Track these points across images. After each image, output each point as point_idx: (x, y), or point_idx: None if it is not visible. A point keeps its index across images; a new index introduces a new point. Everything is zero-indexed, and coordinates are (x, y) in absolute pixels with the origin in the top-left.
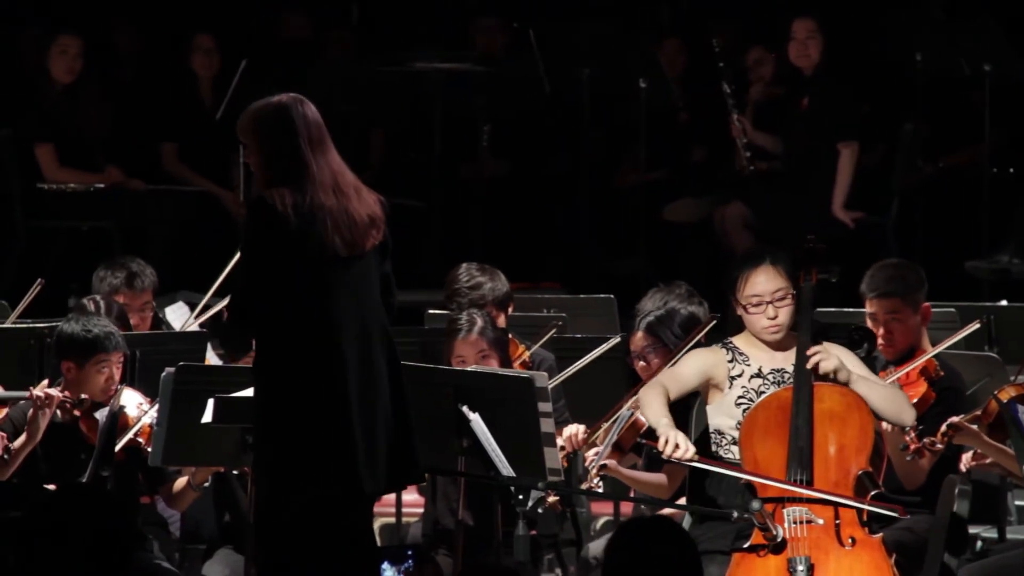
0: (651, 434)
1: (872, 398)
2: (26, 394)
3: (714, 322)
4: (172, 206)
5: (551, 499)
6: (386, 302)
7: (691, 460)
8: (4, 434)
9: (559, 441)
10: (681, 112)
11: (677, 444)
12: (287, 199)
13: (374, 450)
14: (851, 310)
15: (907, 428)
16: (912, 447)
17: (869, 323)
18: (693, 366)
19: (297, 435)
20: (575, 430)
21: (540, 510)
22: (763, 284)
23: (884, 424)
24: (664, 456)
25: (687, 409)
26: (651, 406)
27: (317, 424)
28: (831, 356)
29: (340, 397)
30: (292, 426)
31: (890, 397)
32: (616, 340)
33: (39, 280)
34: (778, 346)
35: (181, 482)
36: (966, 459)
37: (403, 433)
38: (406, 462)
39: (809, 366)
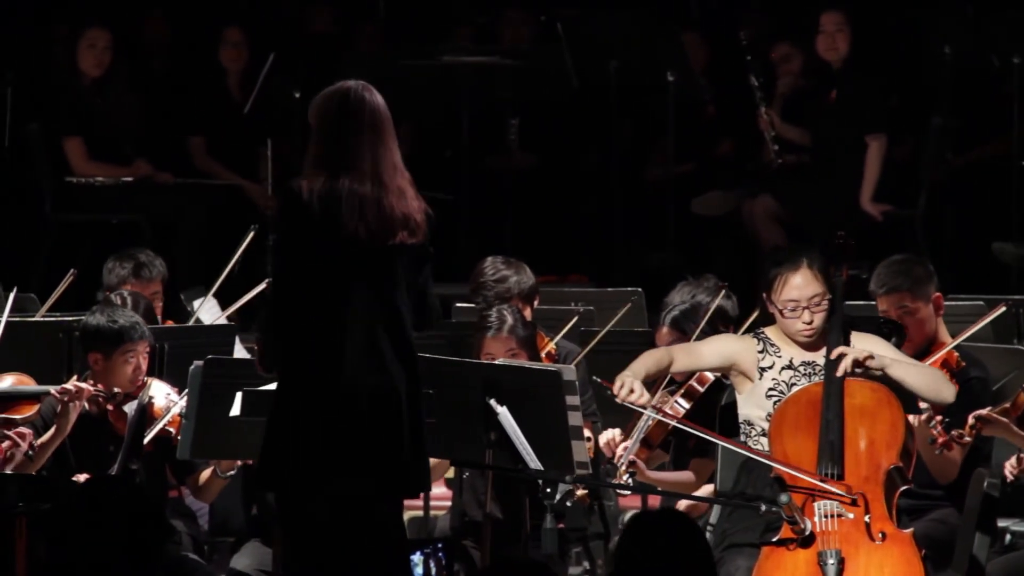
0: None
1: (909, 380)
2: (50, 389)
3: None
4: (201, 200)
5: (579, 493)
6: (418, 319)
7: (643, 406)
8: (30, 432)
9: (591, 439)
10: (708, 105)
11: (632, 389)
12: (315, 184)
13: (362, 451)
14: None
15: (933, 422)
16: (940, 440)
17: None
18: (714, 347)
19: (286, 427)
20: (612, 435)
21: (568, 503)
22: (800, 289)
23: (911, 418)
24: (618, 400)
25: (713, 405)
26: (638, 360)
27: (305, 416)
28: (854, 349)
29: (332, 389)
30: (286, 416)
31: (928, 377)
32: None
33: (71, 271)
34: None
35: (206, 473)
36: (1009, 466)
37: (410, 444)
38: (402, 473)
39: (840, 373)
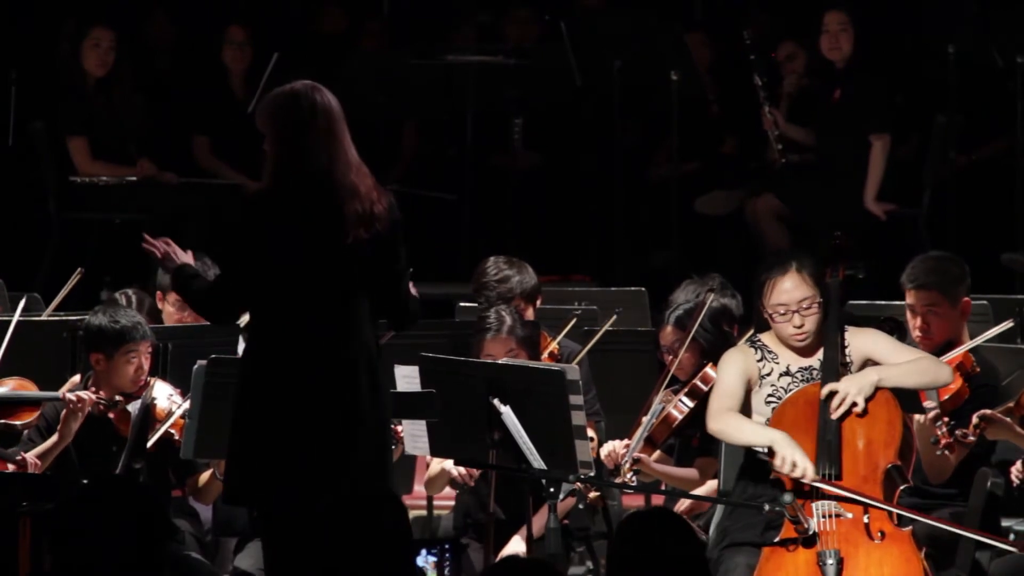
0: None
1: (908, 382)
2: (57, 395)
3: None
4: (205, 199)
5: (592, 495)
6: (393, 303)
7: (812, 482)
8: (27, 458)
9: (595, 439)
10: (712, 104)
11: (795, 463)
12: (269, 191)
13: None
14: (883, 303)
15: (938, 423)
16: (943, 441)
17: (908, 314)
18: (735, 375)
19: (251, 428)
20: (613, 447)
21: (581, 506)
22: (789, 293)
23: (917, 417)
24: (784, 472)
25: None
26: (745, 427)
27: (265, 419)
28: (849, 393)
29: (295, 396)
30: (251, 419)
31: (921, 370)
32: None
33: (79, 269)
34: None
35: (206, 475)
36: (1015, 470)
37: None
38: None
39: (835, 416)
